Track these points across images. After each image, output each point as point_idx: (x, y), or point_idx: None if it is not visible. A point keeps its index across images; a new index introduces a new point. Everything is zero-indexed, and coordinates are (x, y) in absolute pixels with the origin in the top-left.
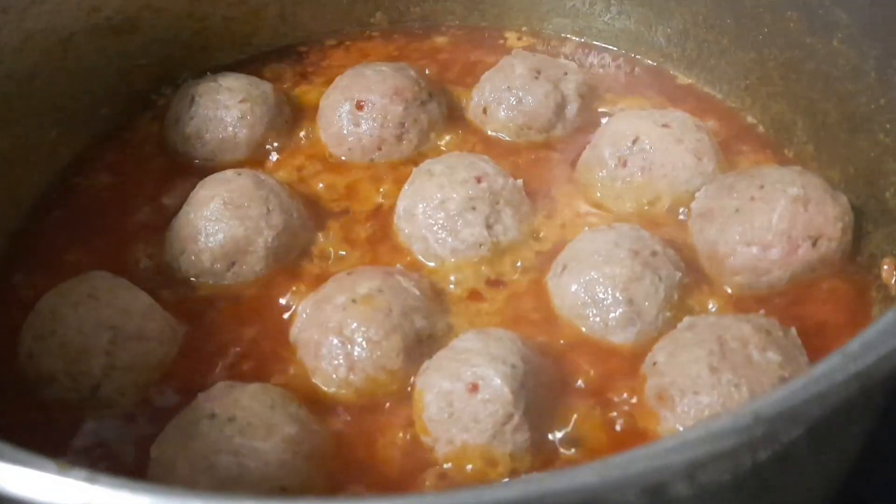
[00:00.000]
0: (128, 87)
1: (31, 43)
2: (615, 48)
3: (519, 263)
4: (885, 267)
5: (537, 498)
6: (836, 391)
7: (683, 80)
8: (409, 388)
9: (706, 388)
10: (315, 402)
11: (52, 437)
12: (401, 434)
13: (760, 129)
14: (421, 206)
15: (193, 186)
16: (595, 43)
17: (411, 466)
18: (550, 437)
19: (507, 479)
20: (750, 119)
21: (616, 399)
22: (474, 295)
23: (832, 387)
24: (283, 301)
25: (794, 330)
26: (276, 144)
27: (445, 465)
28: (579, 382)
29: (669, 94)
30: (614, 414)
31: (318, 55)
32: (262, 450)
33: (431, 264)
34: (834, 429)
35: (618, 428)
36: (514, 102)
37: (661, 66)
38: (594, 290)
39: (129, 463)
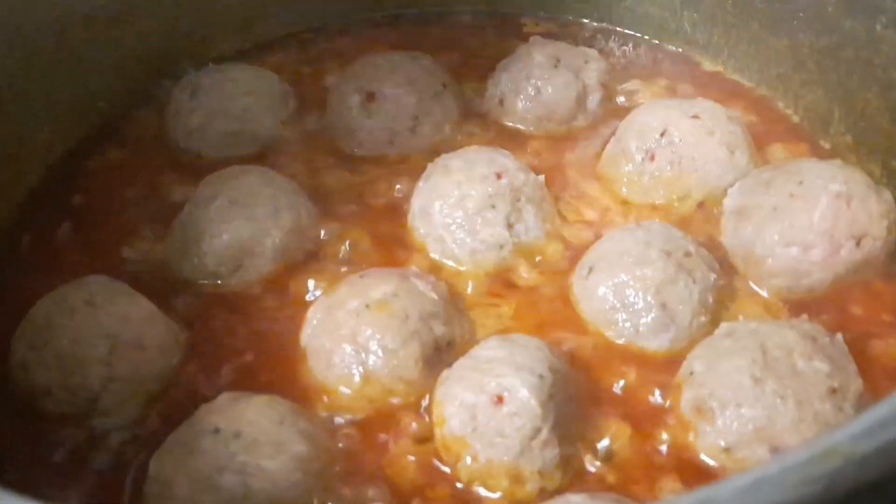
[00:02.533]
0: (125, 80)
1: (22, 35)
2: (638, 34)
3: (542, 265)
4: None
5: None
6: None
7: (710, 67)
8: (427, 400)
9: (749, 400)
10: (326, 415)
11: (45, 453)
12: (418, 449)
13: (794, 119)
14: (437, 203)
15: (196, 184)
16: (617, 29)
17: (429, 484)
18: (580, 452)
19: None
20: (783, 108)
21: (649, 411)
22: (495, 299)
23: None
24: (291, 305)
25: (840, 336)
26: (283, 138)
27: (468, 484)
28: (609, 393)
29: (696, 83)
30: (647, 427)
31: (324, 43)
32: (269, 469)
33: (450, 265)
34: None
35: (651, 442)
36: (533, 93)
37: (686, 52)
38: (624, 293)
39: (126, 480)
